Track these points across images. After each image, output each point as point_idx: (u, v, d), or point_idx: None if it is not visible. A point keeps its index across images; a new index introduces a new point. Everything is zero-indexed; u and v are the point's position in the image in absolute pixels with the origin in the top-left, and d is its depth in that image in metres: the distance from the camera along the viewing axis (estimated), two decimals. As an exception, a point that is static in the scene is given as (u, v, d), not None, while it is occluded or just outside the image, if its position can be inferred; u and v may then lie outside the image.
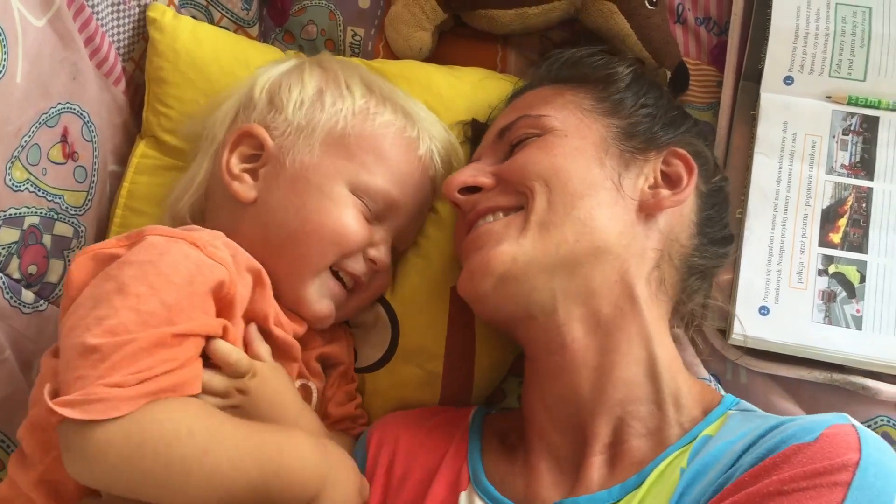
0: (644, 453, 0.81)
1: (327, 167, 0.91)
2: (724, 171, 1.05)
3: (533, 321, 0.87)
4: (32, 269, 0.94)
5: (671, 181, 0.91)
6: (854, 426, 0.71)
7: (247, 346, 0.83)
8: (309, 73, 0.96)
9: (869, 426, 1.00)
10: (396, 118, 0.95)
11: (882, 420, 1.00)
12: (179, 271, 0.75)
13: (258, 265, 0.85)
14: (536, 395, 0.89)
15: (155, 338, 0.71)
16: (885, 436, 0.99)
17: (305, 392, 0.91)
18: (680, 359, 0.88)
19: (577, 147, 0.89)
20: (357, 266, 0.92)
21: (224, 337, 0.79)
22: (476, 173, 0.93)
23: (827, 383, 1.00)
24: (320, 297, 0.91)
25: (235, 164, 0.92)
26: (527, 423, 0.90)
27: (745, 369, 1.03)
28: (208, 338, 0.78)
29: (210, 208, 0.96)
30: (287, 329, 0.88)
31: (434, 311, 1.01)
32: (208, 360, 0.78)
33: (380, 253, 0.93)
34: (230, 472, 0.71)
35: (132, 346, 0.70)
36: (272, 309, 0.86)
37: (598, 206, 0.86)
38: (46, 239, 0.95)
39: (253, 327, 0.85)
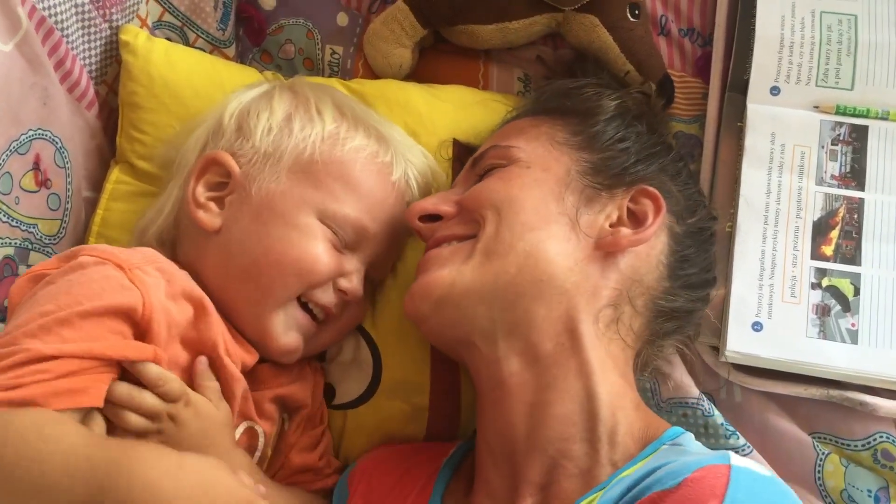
0: (572, 493, 0.78)
1: (294, 195, 0.88)
2: (710, 204, 1.03)
3: (475, 349, 0.85)
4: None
5: (637, 220, 0.88)
6: (730, 466, 0.67)
7: (193, 379, 0.81)
8: (279, 98, 0.95)
9: (867, 443, 0.98)
10: (368, 143, 0.93)
11: (881, 437, 0.98)
12: (90, 293, 0.75)
13: (200, 293, 0.83)
14: (481, 432, 0.88)
15: (33, 352, 0.71)
16: (886, 453, 0.98)
17: (250, 436, 0.87)
18: (629, 396, 0.84)
19: (537, 179, 0.88)
20: (326, 297, 0.89)
21: (156, 362, 0.78)
22: (438, 202, 0.92)
23: (824, 400, 0.98)
24: (286, 329, 0.88)
25: (201, 193, 0.90)
26: (476, 460, 0.88)
27: (739, 387, 1.02)
28: (125, 361, 0.76)
29: (179, 237, 0.93)
30: (235, 359, 0.85)
31: (417, 343, 0.99)
32: None
33: (351, 283, 0.90)
34: (62, 480, 0.67)
35: (12, 359, 0.70)
36: (220, 338, 0.83)
37: (548, 239, 0.84)
38: (22, 270, 0.93)
39: (202, 361, 0.82)
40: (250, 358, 0.87)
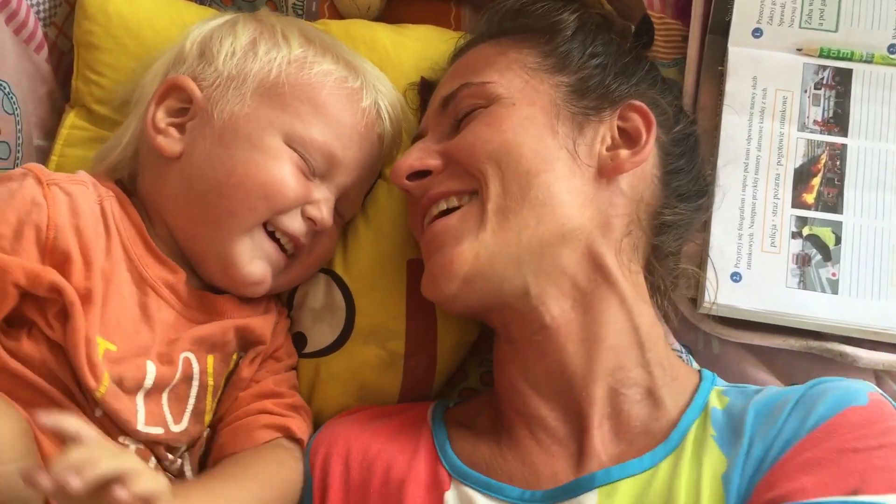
0: (644, 419, 0.82)
1: (259, 117, 0.86)
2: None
3: (507, 308, 0.84)
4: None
5: (629, 138, 0.88)
6: (883, 396, 0.79)
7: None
8: (243, 24, 0.92)
9: (848, 395, 0.98)
10: (337, 68, 0.90)
11: (861, 388, 0.97)
12: (1, 201, 0.75)
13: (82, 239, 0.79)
14: (517, 374, 0.86)
15: None
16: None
17: (185, 365, 0.83)
18: (660, 327, 0.88)
19: (527, 116, 0.85)
20: (294, 224, 0.86)
21: (36, 280, 0.74)
22: (423, 155, 0.88)
23: (803, 351, 0.98)
24: (252, 258, 0.85)
25: (161, 118, 0.88)
26: (506, 403, 0.87)
27: (717, 339, 1.01)
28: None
29: (138, 168, 0.90)
30: (153, 276, 0.83)
31: (391, 287, 0.97)
32: None
33: (320, 212, 0.87)
34: None
35: None
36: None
37: (556, 180, 0.83)
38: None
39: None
40: (175, 277, 0.85)
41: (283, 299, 0.99)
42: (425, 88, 1.01)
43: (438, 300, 0.86)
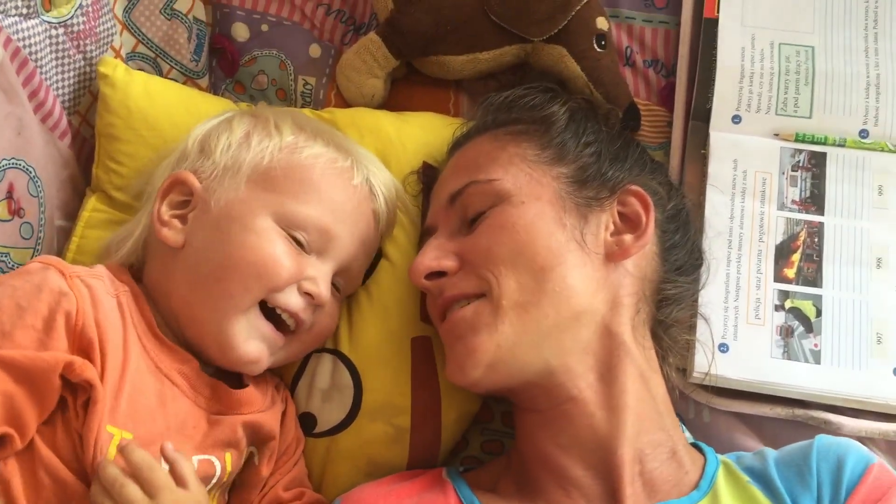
0: (671, 477, 0.86)
1: (252, 201, 0.89)
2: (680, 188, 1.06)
3: (532, 385, 0.88)
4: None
5: (629, 221, 0.92)
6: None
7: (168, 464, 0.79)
8: (238, 120, 0.96)
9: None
10: (327, 150, 0.94)
11: (845, 454, 1.00)
12: (28, 294, 0.77)
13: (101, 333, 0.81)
14: (547, 440, 0.88)
15: None
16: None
17: (207, 468, 0.85)
18: (669, 398, 0.92)
19: (537, 213, 0.89)
20: (291, 301, 0.88)
21: (72, 372, 0.76)
22: (439, 255, 0.91)
23: (789, 419, 1.00)
24: (247, 337, 0.87)
25: (165, 212, 0.91)
26: (537, 466, 0.89)
27: (707, 407, 1.03)
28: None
29: (147, 259, 0.94)
30: (165, 369, 0.85)
31: (397, 364, 0.99)
32: None
33: (316, 286, 0.88)
34: None
35: None
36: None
37: (569, 271, 0.87)
38: (-8, 298, 0.92)
39: (169, 447, 0.80)
40: (187, 367, 0.87)
41: (289, 380, 1.01)
42: (428, 173, 1.05)
43: (463, 384, 0.88)
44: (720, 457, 0.90)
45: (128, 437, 0.79)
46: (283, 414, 0.96)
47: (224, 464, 0.87)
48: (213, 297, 0.86)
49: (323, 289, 0.89)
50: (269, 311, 0.89)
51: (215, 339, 0.86)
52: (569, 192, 0.91)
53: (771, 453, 0.88)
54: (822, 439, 0.87)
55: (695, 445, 0.92)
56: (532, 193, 0.90)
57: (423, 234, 1.00)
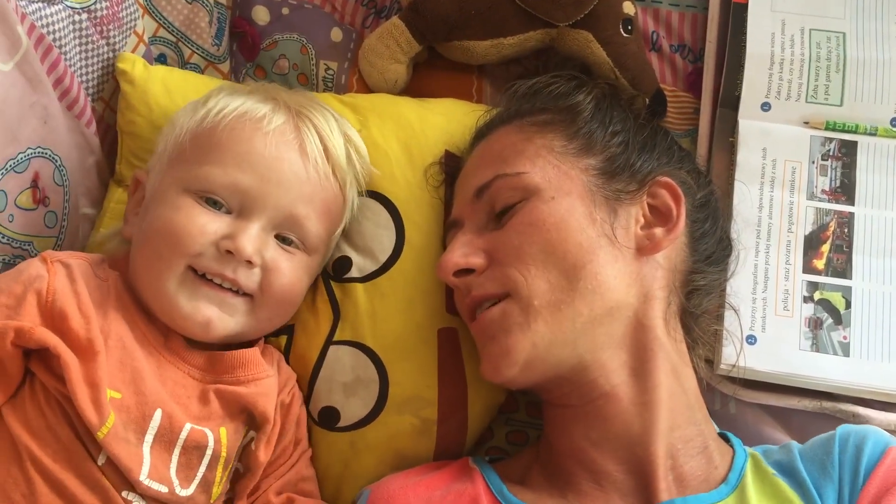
0: (703, 471, 0.86)
1: (167, 179, 0.90)
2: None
3: (566, 381, 0.88)
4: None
5: (660, 213, 0.91)
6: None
7: None
8: (182, 110, 0.97)
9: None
10: (240, 105, 0.92)
11: (874, 448, 1.00)
12: (8, 278, 0.83)
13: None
14: (579, 435, 0.88)
15: None
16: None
17: (199, 437, 0.85)
18: (699, 389, 0.91)
19: (567, 209, 0.88)
20: (212, 263, 0.86)
21: (26, 337, 0.79)
22: (468, 251, 0.91)
23: (817, 412, 1.00)
24: (189, 300, 0.86)
25: (129, 210, 0.96)
26: (569, 460, 0.89)
27: (733, 399, 1.03)
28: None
29: None
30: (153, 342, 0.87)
31: (424, 356, 0.99)
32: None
33: (233, 243, 0.86)
34: None
35: None
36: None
37: (601, 268, 0.86)
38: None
39: None
40: (175, 342, 0.88)
41: (307, 374, 0.99)
42: (451, 162, 1.04)
43: (499, 382, 0.88)
44: (748, 449, 0.90)
45: (116, 395, 0.80)
46: (287, 409, 0.95)
47: (218, 436, 0.86)
48: (145, 272, 0.88)
49: (243, 244, 0.86)
50: (203, 276, 0.88)
51: (163, 310, 0.87)
52: (598, 184, 0.90)
53: (796, 446, 0.88)
54: (843, 429, 0.87)
55: (722, 436, 0.92)
56: (562, 188, 0.89)
57: (449, 227, 0.99)
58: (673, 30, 1.17)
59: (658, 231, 0.89)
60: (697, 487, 0.84)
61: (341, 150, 0.96)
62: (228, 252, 0.86)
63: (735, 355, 0.99)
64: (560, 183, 0.89)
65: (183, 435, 0.83)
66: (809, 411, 1.01)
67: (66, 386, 0.78)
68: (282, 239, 0.91)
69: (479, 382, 0.99)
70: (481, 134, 1.01)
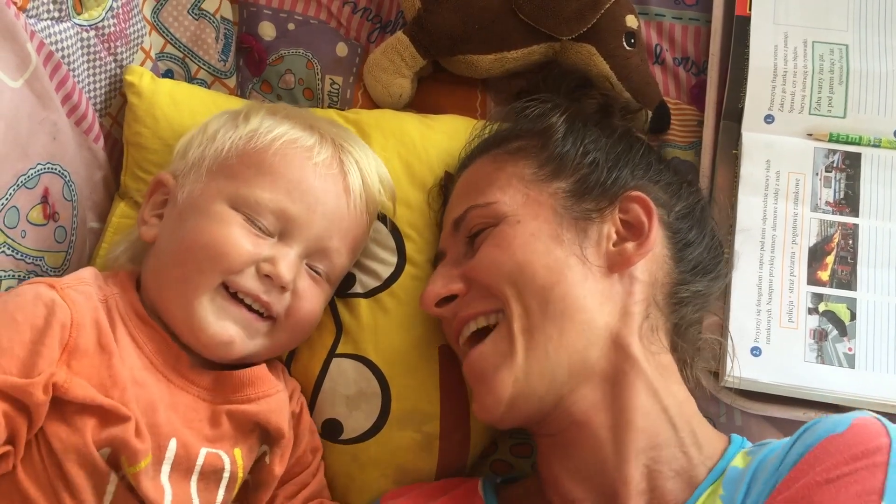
0: (678, 495, 0.82)
1: (209, 189, 0.90)
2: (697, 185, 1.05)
3: (543, 414, 0.87)
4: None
5: (632, 228, 0.90)
6: (877, 418, 0.76)
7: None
8: (216, 119, 0.97)
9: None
10: (290, 131, 0.93)
11: (880, 460, 0.99)
12: (24, 310, 0.78)
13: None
14: (556, 463, 0.88)
15: None
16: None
17: (215, 460, 0.85)
18: (692, 400, 0.89)
19: (532, 232, 0.88)
20: (249, 283, 0.87)
21: (62, 391, 0.77)
22: (446, 281, 0.92)
23: (822, 424, 1.00)
24: (216, 318, 0.86)
25: (148, 212, 0.94)
26: (548, 489, 0.89)
27: (738, 411, 1.03)
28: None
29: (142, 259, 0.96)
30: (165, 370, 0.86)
31: (425, 372, 0.99)
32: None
33: (274, 268, 0.87)
34: None
35: None
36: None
37: (570, 289, 0.86)
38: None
39: None
40: (181, 364, 0.87)
41: (310, 386, 1.00)
42: (450, 183, 1.04)
43: (491, 422, 0.88)
44: (737, 456, 0.84)
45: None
46: (298, 419, 0.96)
47: (233, 458, 0.86)
48: (175, 281, 0.87)
49: (283, 270, 0.87)
50: (234, 296, 0.88)
51: (186, 323, 0.87)
52: (566, 206, 0.90)
53: (763, 453, 0.82)
54: (808, 424, 0.80)
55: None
56: (529, 213, 0.89)
57: (436, 259, 1.00)
58: (676, 43, 1.17)
59: (629, 246, 0.88)
60: None
61: (377, 188, 0.98)
62: (267, 276, 0.87)
63: (739, 367, 0.99)
64: (527, 209, 0.90)
65: (199, 461, 0.83)
66: (815, 423, 1.00)
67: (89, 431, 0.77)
68: (310, 267, 0.92)
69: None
70: (463, 166, 1.02)
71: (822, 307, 1.02)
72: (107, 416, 0.78)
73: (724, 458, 0.84)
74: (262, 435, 0.90)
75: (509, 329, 0.85)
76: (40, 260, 0.95)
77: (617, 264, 0.88)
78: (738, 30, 1.12)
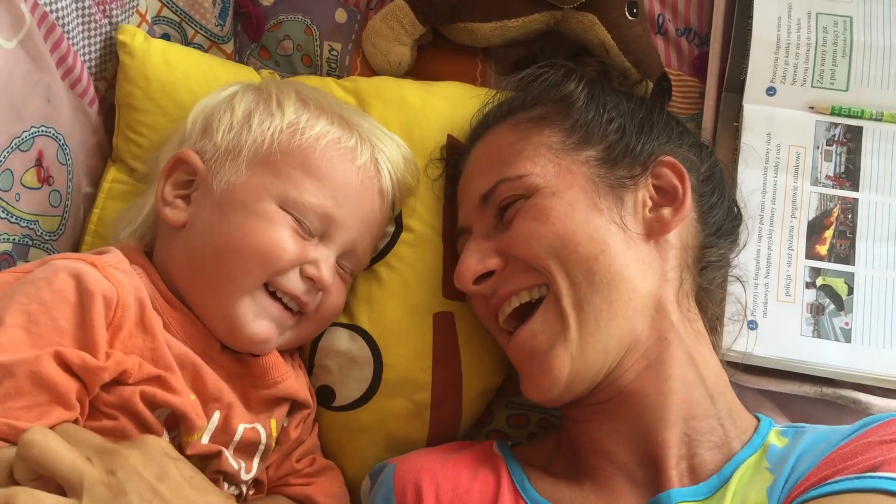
0: (717, 464, 0.83)
1: (254, 185, 0.89)
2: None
3: (592, 391, 0.87)
4: (6, 298, 0.91)
5: (666, 193, 0.91)
6: None
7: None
8: (241, 97, 0.95)
9: (861, 440, 1.00)
10: (331, 129, 0.93)
11: (874, 434, 1.00)
12: (71, 290, 0.76)
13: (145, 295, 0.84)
14: (596, 429, 0.88)
15: (30, 372, 0.71)
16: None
17: (252, 435, 0.87)
18: (724, 373, 0.90)
19: (570, 202, 0.87)
20: (293, 284, 0.88)
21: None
22: (482, 256, 0.91)
23: (818, 397, 1.00)
24: (255, 317, 0.87)
25: (169, 191, 0.91)
26: (585, 450, 0.89)
27: (734, 384, 1.02)
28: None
29: (154, 239, 0.94)
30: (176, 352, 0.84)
31: (418, 340, 0.99)
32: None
33: (318, 270, 0.88)
34: None
35: (21, 377, 0.71)
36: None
37: (614, 258, 0.85)
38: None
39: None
40: (212, 349, 0.88)
41: (305, 354, 1.01)
42: (453, 146, 1.03)
43: (543, 402, 0.87)
44: (771, 433, 0.86)
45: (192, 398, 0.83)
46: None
47: (269, 430, 0.89)
48: (216, 279, 0.87)
49: (325, 273, 0.89)
50: (272, 293, 0.89)
51: (223, 320, 0.87)
52: (600, 174, 0.89)
53: (809, 435, 0.84)
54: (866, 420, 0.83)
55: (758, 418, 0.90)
56: (563, 183, 0.88)
57: (458, 235, 0.99)
58: (679, 13, 1.16)
59: (666, 211, 0.89)
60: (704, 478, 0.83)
61: (404, 191, 1.00)
62: (309, 278, 0.88)
63: (736, 340, 0.99)
64: (561, 179, 0.89)
65: (237, 437, 0.86)
66: (810, 397, 1.00)
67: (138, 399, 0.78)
68: (338, 265, 0.94)
69: (474, 366, 1.00)
70: (476, 134, 1.01)
71: (819, 281, 1.02)
72: (165, 386, 0.80)
73: (758, 433, 0.86)
74: (291, 404, 0.93)
75: (557, 304, 0.85)
76: (35, 224, 0.94)
77: (655, 231, 0.88)
78: (741, 0, 1.11)
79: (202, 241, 0.88)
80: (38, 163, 0.93)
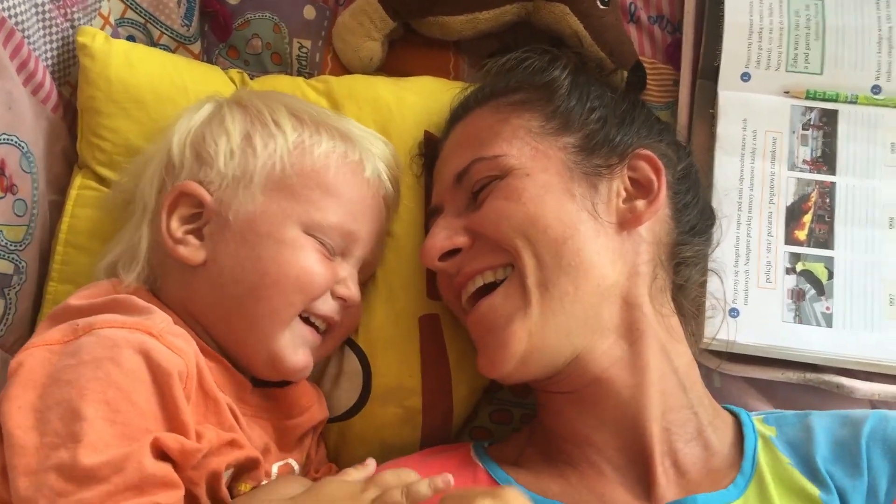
0: (699, 457, 0.85)
1: (274, 212, 0.86)
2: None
3: (557, 372, 0.86)
4: (-29, 309, 0.89)
5: (641, 186, 0.90)
6: None
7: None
8: (230, 118, 0.91)
9: (845, 425, 1.00)
10: (336, 144, 0.91)
11: (858, 418, 0.99)
12: (142, 368, 0.72)
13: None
14: (575, 418, 0.88)
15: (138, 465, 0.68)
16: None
17: (287, 470, 0.88)
18: (696, 366, 0.90)
19: (543, 185, 0.87)
20: (327, 307, 0.88)
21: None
22: (450, 233, 0.90)
23: (801, 383, 1.00)
24: (295, 348, 0.86)
25: (177, 228, 0.87)
26: (566, 442, 0.88)
27: (717, 373, 1.02)
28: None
29: (161, 277, 0.89)
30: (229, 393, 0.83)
31: (405, 345, 0.98)
32: None
33: (349, 289, 0.89)
34: None
35: (130, 471, 0.67)
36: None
37: (583, 243, 0.85)
38: (-16, 277, 0.90)
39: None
40: (244, 392, 0.87)
41: None
42: (430, 143, 1.02)
43: (497, 377, 0.87)
44: (758, 427, 0.87)
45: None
46: None
47: (301, 460, 0.91)
48: (254, 315, 0.84)
49: (354, 290, 0.90)
50: (304, 319, 0.88)
51: (265, 356, 0.85)
52: (576, 161, 0.89)
53: (817, 424, 0.86)
54: (877, 415, 0.85)
55: (729, 411, 0.91)
56: (538, 166, 0.88)
57: (430, 214, 0.98)
58: (651, 1, 1.15)
59: (640, 203, 0.88)
60: (699, 482, 0.83)
61: (398, 195, 1.00)
62: (340, 297, 0.88)
63: (718, 329, 0.99)
64: (536, 161, 0.88)
65: (273, 477, 0.86)
66: (794, 383, 1.00)
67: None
68: None
69: (463, 367, 0.99)
70: (457, 116, 1.00)
71: (799, 267, 1.02)
72: (236, 446, 0.79)
73: (745, 425, 0.87)
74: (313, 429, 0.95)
75: (522, 282, 0.84)
76: None
77: (627, 221, 0.88)
78: (713, -14, 1.10)
79: (232, 278, 0.84)
80: (1, 171, 0.91)
